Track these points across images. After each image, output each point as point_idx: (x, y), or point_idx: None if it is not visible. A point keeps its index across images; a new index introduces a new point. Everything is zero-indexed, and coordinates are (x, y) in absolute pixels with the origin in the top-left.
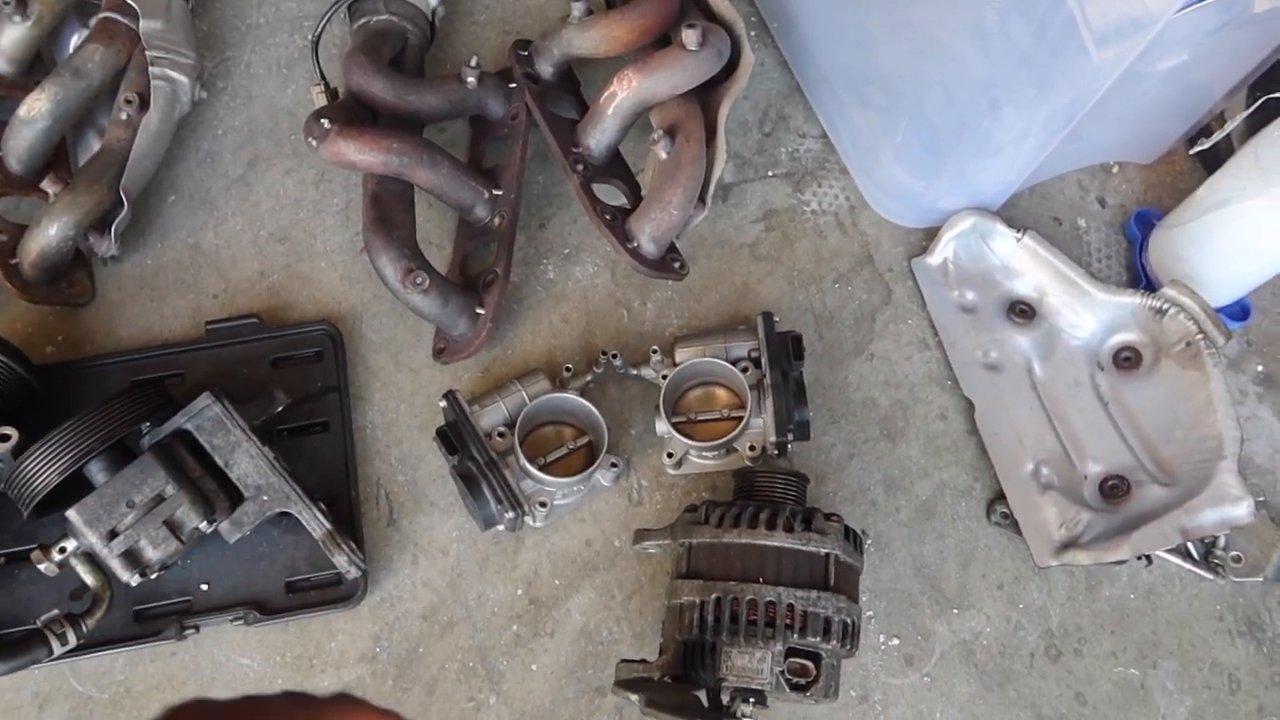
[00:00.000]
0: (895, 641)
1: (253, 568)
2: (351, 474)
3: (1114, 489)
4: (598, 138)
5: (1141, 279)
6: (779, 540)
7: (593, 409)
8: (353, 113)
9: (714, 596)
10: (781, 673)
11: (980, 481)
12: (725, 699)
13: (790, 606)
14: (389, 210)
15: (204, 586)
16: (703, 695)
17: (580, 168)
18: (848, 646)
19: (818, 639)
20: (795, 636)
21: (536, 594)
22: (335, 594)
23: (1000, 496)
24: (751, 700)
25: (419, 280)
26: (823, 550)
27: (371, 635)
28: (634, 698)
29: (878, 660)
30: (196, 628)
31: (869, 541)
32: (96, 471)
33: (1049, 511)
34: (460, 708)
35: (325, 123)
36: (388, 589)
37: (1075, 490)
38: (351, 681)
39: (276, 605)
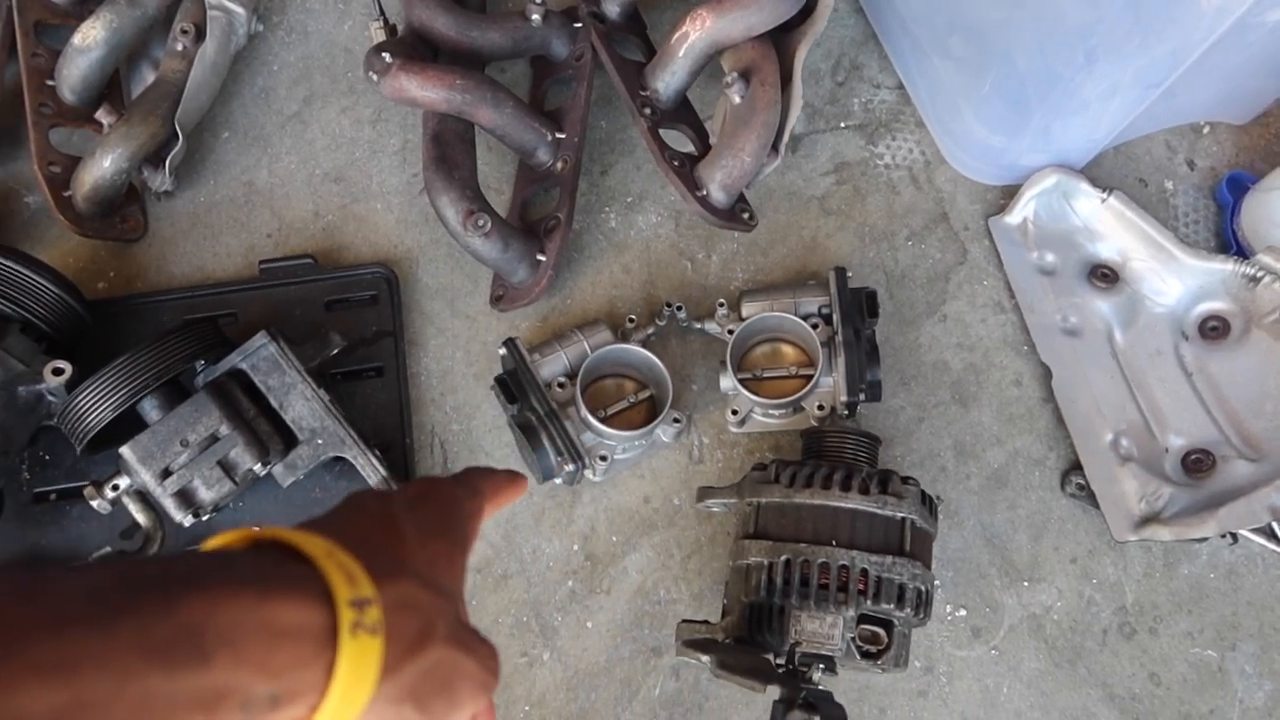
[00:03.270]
0: (962, 613)
1: (305, 513)
2: (406, 421)
3: (1197, 463)
4: (667, 80)
5: (1232, 245)
6: (853, 502)
7: (657, 362)
8: (413, 49)
9: (783, 558)
10: (853, 639)
11: (1055, 451)
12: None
13: (864, 571)
14: (450, 150)
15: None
16: (772, 659)
17: (648, 111)
18: (920, 615)
19: (891, 606)
20: (869, 603)
21: (593, 550)
22: None
23: (1076, 467)
24: (821, 666)
25: (481, 223)
26: (899, 514)
27: None
28: (704, 659)
29: (944, 631)
30: None
31: (940, 507)
32: (150, 409)
33: (1128, 484)
34: (513, 662)
35: (387, 57)
36: None
37: (1156, 463)
38: None
39: None
